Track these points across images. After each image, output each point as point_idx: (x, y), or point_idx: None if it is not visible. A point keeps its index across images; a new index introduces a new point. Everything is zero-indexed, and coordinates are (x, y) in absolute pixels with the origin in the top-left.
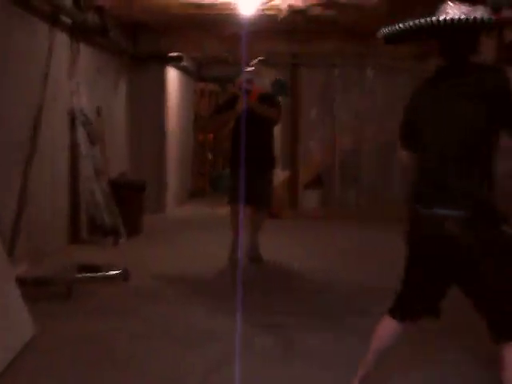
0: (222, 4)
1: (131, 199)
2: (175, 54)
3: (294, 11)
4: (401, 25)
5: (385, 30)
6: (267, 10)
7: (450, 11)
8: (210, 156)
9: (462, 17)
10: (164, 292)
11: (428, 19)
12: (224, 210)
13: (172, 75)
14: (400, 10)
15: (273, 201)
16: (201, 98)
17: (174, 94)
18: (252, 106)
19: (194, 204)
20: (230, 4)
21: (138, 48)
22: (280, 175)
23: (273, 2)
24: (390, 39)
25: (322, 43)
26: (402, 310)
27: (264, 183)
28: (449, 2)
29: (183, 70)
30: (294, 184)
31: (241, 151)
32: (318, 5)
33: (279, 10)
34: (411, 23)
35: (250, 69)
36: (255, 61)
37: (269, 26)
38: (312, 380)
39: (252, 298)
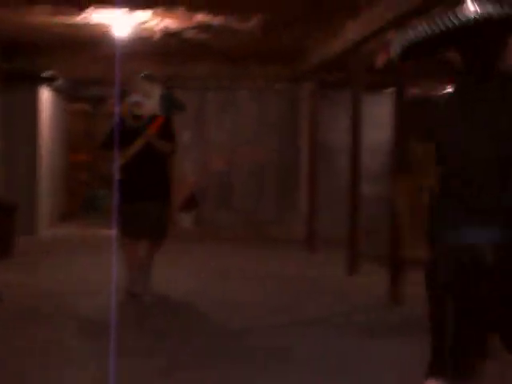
0: (95, 25)
1: (1, 220)
2: (49, 73)
3: (168, 34)
4: (416, 33)
5: (397, 47)
6: (142, 31)
7: (471, 7)
8: (84, 176)
9: (500, 11)
10: (36, 315)
11: (457, 18)
12: (98, 232)
13: (46, 95)
14: (274, 35)
15: (167, 232)
16: (75, 118)
17: (47, 113)
18: (151, 141)
19: (68, 225)
20: (103, 25)
21: (12, 67)
22: None
23: (147, 24)
24: (405, 56)
25: (197, 66)
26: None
27: (160, 215)
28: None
29: (57, 90)
30: None
31: (135, 183)
32: (193, 28)
33: (154, 32)
34: (433, 28)
35: (134, 86)
36: (138, 77)
37: (143, 47)
38: None
39: (127, 322)
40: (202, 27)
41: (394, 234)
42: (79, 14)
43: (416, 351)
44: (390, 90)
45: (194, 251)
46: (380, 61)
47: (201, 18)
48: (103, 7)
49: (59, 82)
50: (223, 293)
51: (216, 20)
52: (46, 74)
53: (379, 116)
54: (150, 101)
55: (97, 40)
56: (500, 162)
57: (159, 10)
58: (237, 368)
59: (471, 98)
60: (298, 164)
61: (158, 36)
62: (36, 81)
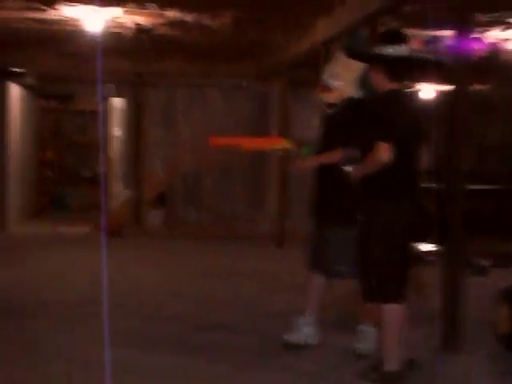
0: (66, 20)
1: None
2: (18, 69)
3: (139, 30)
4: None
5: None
6: (113, 27)
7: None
8: (50, 174)
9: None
10: (10, 313)
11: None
12: (67, 230)
13: (14, 91)
14: (244, 32)
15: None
16: (44, 116)
17: (16, 110)
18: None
19: (36, 222)
20: (74, 20)
21: None
22: (123, 193)
23: (119, 20)
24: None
25: (167, 63)
26: None
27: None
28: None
29: (26, 87)
30: (138, 202)
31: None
32: (164, 24)
33: (125, 28)
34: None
35: (331, 65)
36: (338, 52)
37: (114, 43)
38: None
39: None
40: (174, 24)
41: None
42: (51, 9)
43: None
44: None
45: (163, 249)
46: None
47: (172, 14)
48: (75, 3)
49: (28, 79)
50: (193, 290)
51: (187, 17)
52: (15, 69)
53: None
54: (343, 81)
55: (68, 36)
56: None
57: (131, 7)
58: (214, 362)
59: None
60: (268, 161)
61: (129, 32)
62: (5, 77)
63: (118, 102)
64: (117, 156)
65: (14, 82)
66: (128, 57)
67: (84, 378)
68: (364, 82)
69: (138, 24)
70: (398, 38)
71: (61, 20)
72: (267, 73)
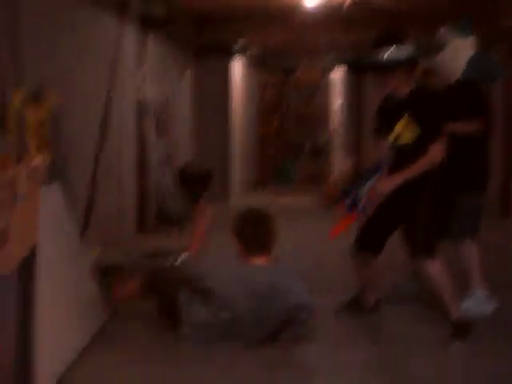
0: None
1: (198, 188)
2: (240, 44)
3: (356, 2)
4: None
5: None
6: (330, 0)
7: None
8: (274, 146)
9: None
10: None
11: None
12: (287, 200)
13: (236, 66)
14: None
15: None
16: (265, 89)
17: (238, 85)
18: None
19: (258, 194)
20: None
21: (203, 39)
22: (345, 163)
23: None
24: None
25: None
26: None
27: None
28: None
29: (247, 61)
30: (359, 172)
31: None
32: None
33: (343, 0)
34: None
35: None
36: (445, 29)
37: (331, 16)
38: None
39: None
40: None
41: None
42: None
43: None
44: None
45: None
46: None
47: None
48: None
49: (250, 53)
50: None
51: None
52: (237, 45)
53: None
54: (451, 63)
55: (287, 9)
56: None
57: None
58: None
59: None
60: None
61: (347, 4)
62: (227, 52)
63: (338, 73)
64: (339, 126)
65: (236, 57)
66: (343, 28)
67: None
68: (472, 65)
69: None
70: (396, 39)
71: None
72: (488, 40)
